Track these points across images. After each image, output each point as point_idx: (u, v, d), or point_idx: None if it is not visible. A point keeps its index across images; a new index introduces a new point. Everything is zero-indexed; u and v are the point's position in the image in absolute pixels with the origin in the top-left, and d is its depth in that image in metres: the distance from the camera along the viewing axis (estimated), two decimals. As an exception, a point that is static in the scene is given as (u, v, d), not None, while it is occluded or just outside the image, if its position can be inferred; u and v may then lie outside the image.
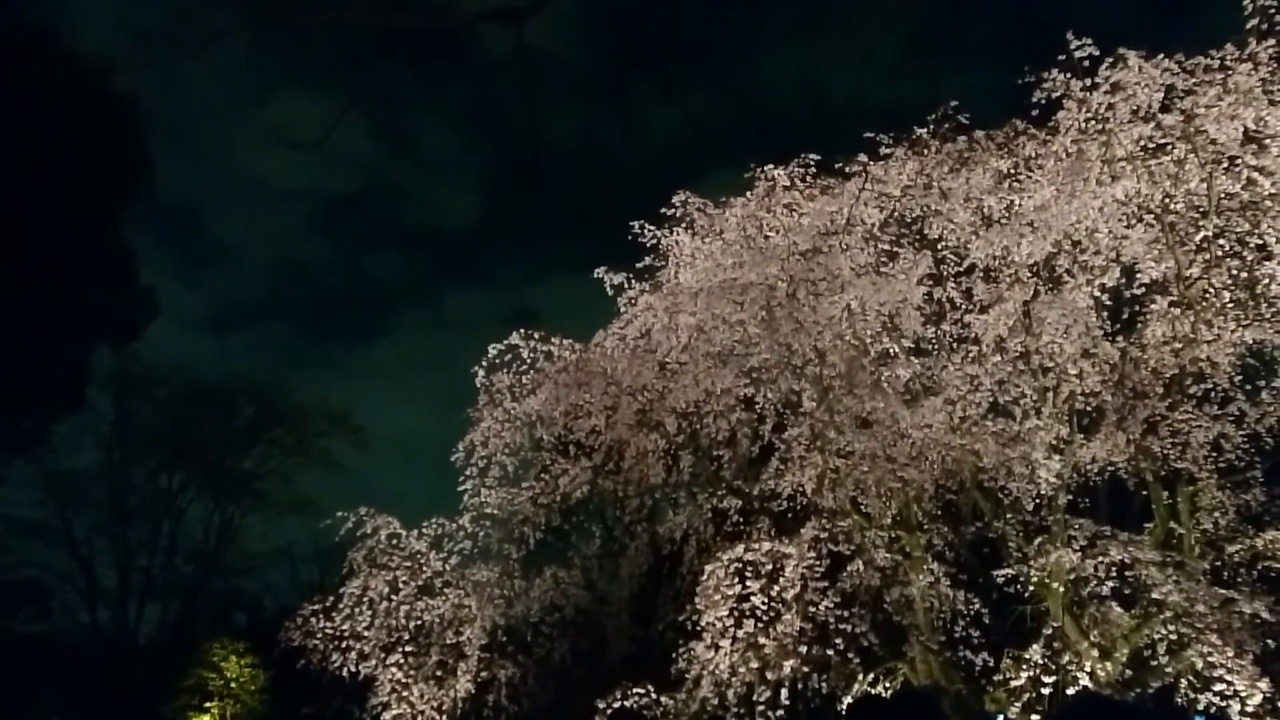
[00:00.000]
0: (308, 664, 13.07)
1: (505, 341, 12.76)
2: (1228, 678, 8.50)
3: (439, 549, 13.04)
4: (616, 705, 10.96)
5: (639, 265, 13.58)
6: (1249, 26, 10.17)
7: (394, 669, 12.43)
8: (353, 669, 12.81)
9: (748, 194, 13.10)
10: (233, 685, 24.34)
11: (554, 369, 12.63)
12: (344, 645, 12.82)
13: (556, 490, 12.79)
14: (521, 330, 12.81)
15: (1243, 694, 8.51)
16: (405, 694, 12.31)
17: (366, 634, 12.80)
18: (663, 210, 13.52)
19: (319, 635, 12.98)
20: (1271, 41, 10.17)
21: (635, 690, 10.96)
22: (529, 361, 12.82)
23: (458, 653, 12.59)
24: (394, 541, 13.22)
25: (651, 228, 13.52)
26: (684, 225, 13.47)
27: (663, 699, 10.83)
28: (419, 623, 12.76)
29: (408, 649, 12.64)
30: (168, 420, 33.03)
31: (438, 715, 12.49)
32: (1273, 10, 10.02)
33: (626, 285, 13.54)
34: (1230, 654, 8.72)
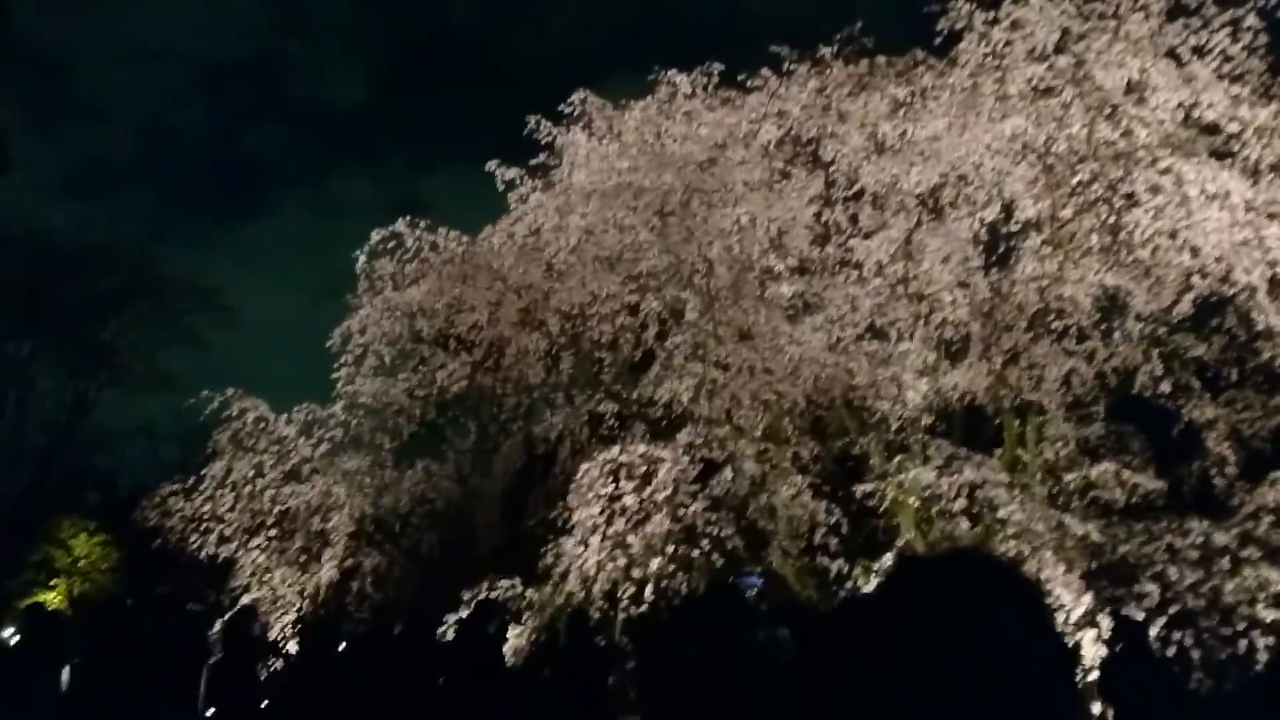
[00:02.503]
0: (164, 544, 12.73)
1: (390, 228, 12.37)
2: (1057, 590, 9.19)
3: (309, 435, 12.76)
4: (482, 596, 11.09)
5: (533, 162, 13.33)
6: (1144, -22, 10.48)
7: (256, 553, 12.25)
8: (212, 551, 12.56)
9: (648, 98, 12.91)
10: (80, 563, 23.52)
11: (439, 260, 12.34)
12: (204, 527, 12.53)
13: (434, 383, 12.64)
14: (408, 218, 12.43)
15: (1068, 606, 9.23)
16: (267, 578, 12.15)
17: (229, 517, 12.53)
18: (560, 108, 13.23)
19: (177, 516, 12.63)
20: (1164, -7, 10.51)
21: (502, 582, 11.11)
22: (413, 251, 12.49)
23: (323, 540, 12.48)
24: (262, 425, 12.86)
25: (548, 124, 13.20)
26: (581, 125, 13.22)
27: (528, 592, 11.03)
28: (284, 508, 12.55)
29: (271, 534, 12.46)
30: (17, 284, 30.87)
31: (299, 600, 12.42)
32: (1168, -37, 10.34)
33: (519, 182, 13.26)
34: (1061, 570, 9.43)
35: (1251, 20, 10.22)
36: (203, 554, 12.58)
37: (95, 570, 23.85)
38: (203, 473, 12.86)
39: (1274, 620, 8.62)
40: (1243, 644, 8.63)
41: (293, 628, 12.16)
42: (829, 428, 11.95)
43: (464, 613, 10.02)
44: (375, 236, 12.40)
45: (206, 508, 12.57)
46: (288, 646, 11.88)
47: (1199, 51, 10.43)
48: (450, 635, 9.91)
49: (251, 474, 12.62)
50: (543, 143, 13.32)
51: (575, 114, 13.31)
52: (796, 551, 10.59)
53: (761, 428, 11.54)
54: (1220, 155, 10.69)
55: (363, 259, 12.49)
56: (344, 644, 12.08)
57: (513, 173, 13.24)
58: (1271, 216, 10.28)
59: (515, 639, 10.44)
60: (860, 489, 10.99)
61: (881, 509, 11.16)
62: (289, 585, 12.23)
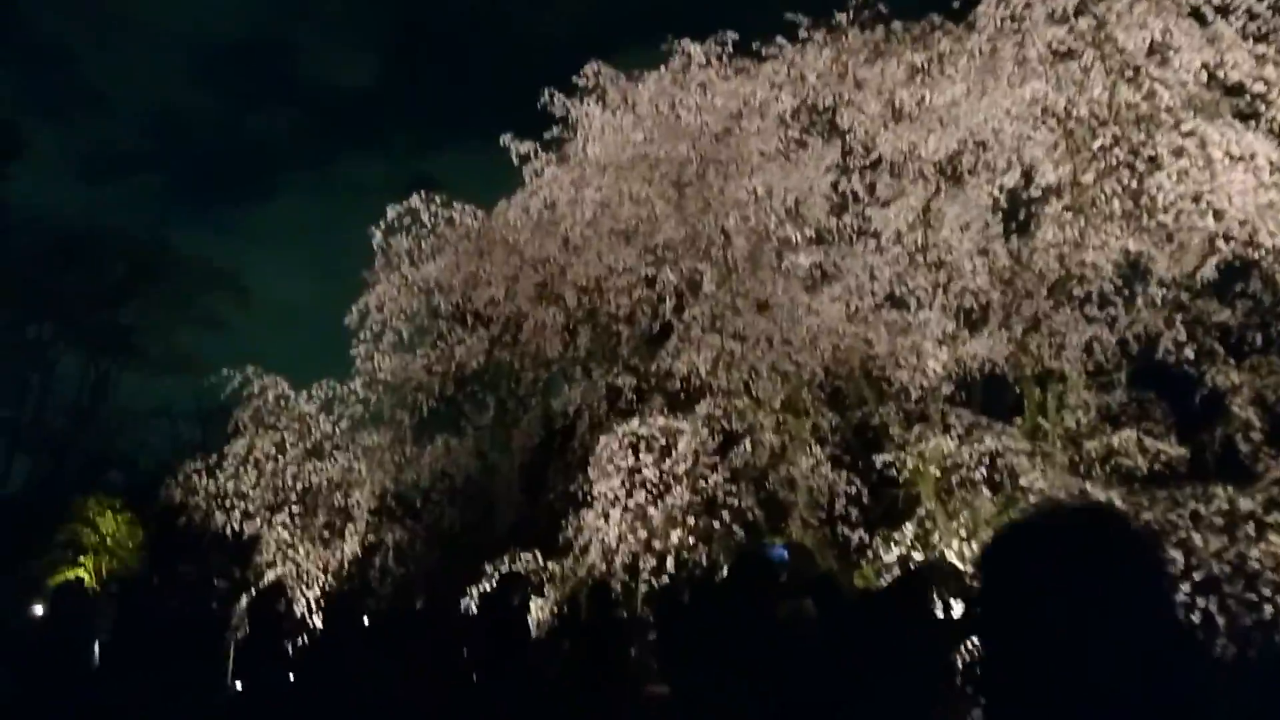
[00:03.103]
0: (189, 522, 12.86)
1: (405, 204, 12.33)
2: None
3: (329, 412, 12.83)
4: (504, 570, 11.16)
5: (547, 136, 13.24)
6: (1168, -65, 10.26)
7: (280, 529, 12.35)
8: (236, 528, 12.67)
9: (662, 68, 12.79)
10: (109, 541, 23.82)
11: (455, 236, 12.32)
12: (227, 504, 12.63)
13: (452, 359, 12.65)
14: (422, 193, 12.38)
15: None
16: (291, 554, 12.26)
17: (252, 494, 12.62)
18: (574, 80, 13.13)
19: (201, 493, 12.74)
20: (1187, -48, 10.30)
21: (523, 555, 11.17)
22: (429, 226, 12.46)
23: (346, 515, 12.57)
24: (282, 403, 12.93)
25: (562, 97, 13.11)
26: (595, 97, 13.12)
27: (549, 565, 11.09)
28: (306, 485, 12.64)
29: (294, 510, 12.55)
30: (35, 269, 31.10)
31: (324, 575, 12.53)
32: (1192, -81, 10.12)
33: (533, 156, 13.19)
34: (1081, 538, 9.39)
35: (1278, -24, 10.01)
36: (227, 531, 12.70)
37: (122, 548, 24.14)
38: (225, 450, 12.95)
39: (1300, 586, 8.56)
40: (1268, 609, 8.58)
41: (317, 603, 12.29)
42: (848, 398, 11.90)
43: (486, 586, 10.09)
44: (391, 213, 12.37)
45: (230, 485, 12.68)
46: (313, 622, 12.02)
47: (1223, 10, 10.23)
48: (474, 609, 9.99)
49: (273, 451, 12.71)
50: (556, 116, 13.25)
51: (589, 86, 13.20)
52: (817, 522, 10.58)
53: (780, 399, 11.51)
54: (1245, 116, 10.50)
55: (379, 235, 12.48)
56: (368, 619, 12.23)
57: (526, 146, 13.18)
58: (1298, 178, 10.12)
59: (537, 612, 10.50)
60: (880, 459, 10.96)
61: (902, 479, 11.14)
62: (312, 560, 12.33)
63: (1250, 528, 9.04)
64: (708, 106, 12.42)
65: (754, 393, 11.54)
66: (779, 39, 12.50)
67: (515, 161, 13.23)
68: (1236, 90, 10.55)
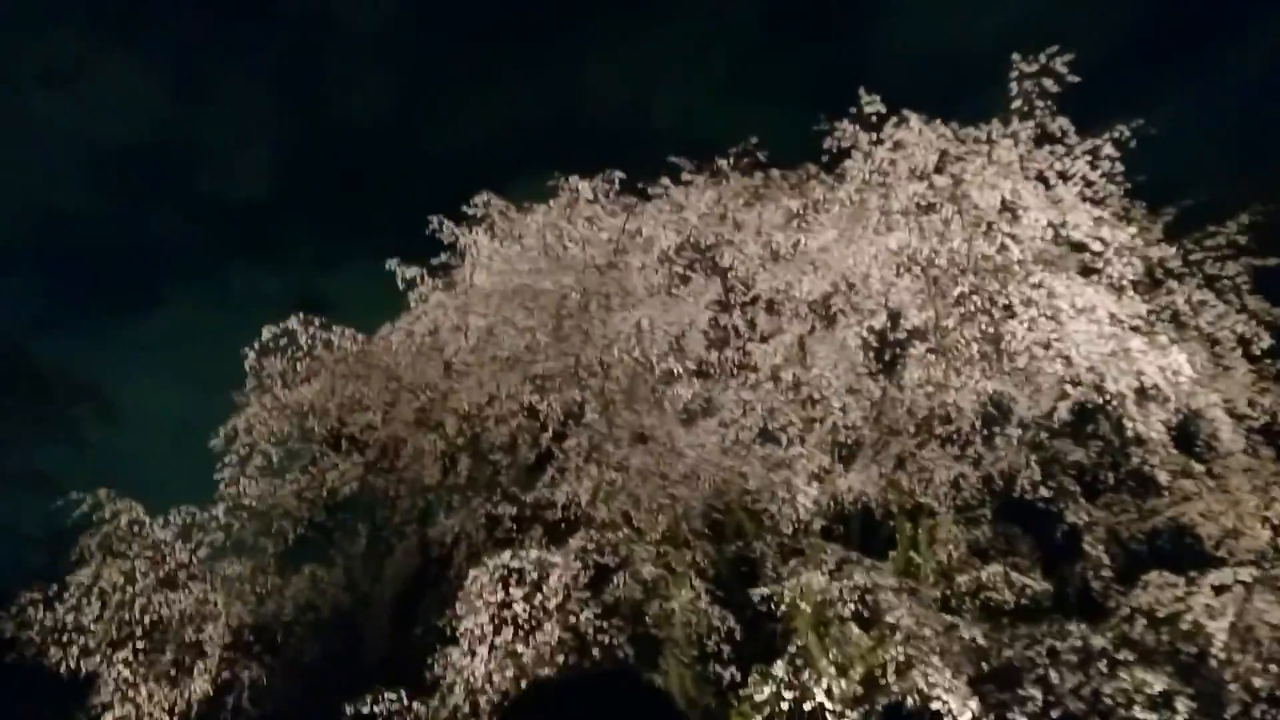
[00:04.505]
0: (20, 658, 11.82)
1: (282, 324, 12.13)
2: (944, 696, 9.24)
3: (187, 539, 12.16)
4: (366, 710, 10.58)
5: (435, 262, 13.35)
6: (1013, 107, 11.25)
7: (121, 666, 11.45)
8: (73, 665, 11.70)
9: (550, 202, 13.14)
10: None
11: (332, 359, 12.11)
12: (65, 639, 11.69)
13: (323, 484, 12.26)
14: (300, 315, 12.22)
15: (955, 712, 9.27)
16: (132, 694, 11.36)
17: (94, 627, 11.73)
18: (464, 209, 13.35)
19: (37, 626, 11.78)
20: (1031, 123, 11.28)
21: (387, 695, 10.62)
22: (306, 348, 12.24)
23: (197, 651, 11.77)
24: (136, 528, 12.21)
25: (450, 225, 13.29)
26: (484, 226, 13.34)
27: (414, 705, 10.56)
28: (155, 618, 11.82)
29: (140, 645, 11.69)
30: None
31: (168, 717, 11.62)
32: (1033, 95, 11.13)
33: (420, 281, 13.23)
34: (949, 675, 9.49)
35: (1108, 149, 11.02)
36: (62, 668, 11.70)
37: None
38: (68, 580, 12.07)
39: (1150, 722, 8.81)
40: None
41: (159, 748, 11.35)
42: (725, 531, 11.95)
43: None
44: (266, 333, 12.14)
45: (69, 617, 11.76)
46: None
47: (1064, 176, 11.16)
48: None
49: (122, 581, 11.91)
50: (445, 242, 13.38)
51: (478, 215, 13.43)
52: (689, 659, 10.43)
53: (660, 531, 11.48)
54: (1087, 271, 11.35)
55: (252, 355, 12.19)
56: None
57: (413, 271, 13.23)
58: (1135, 329, 10.91)
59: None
60: (756, 594, 10.96)
61: (779, 614, 11.13)
62: (155, 702, 11.43)
63: (1104, 664, 9.32)
64: (593, 240, 12.76)
65: (634, 524, 11.49)
66: (663, 180, 13.04)
67: (401, 285, 13.25)
68: (1079, 247, 11.43)
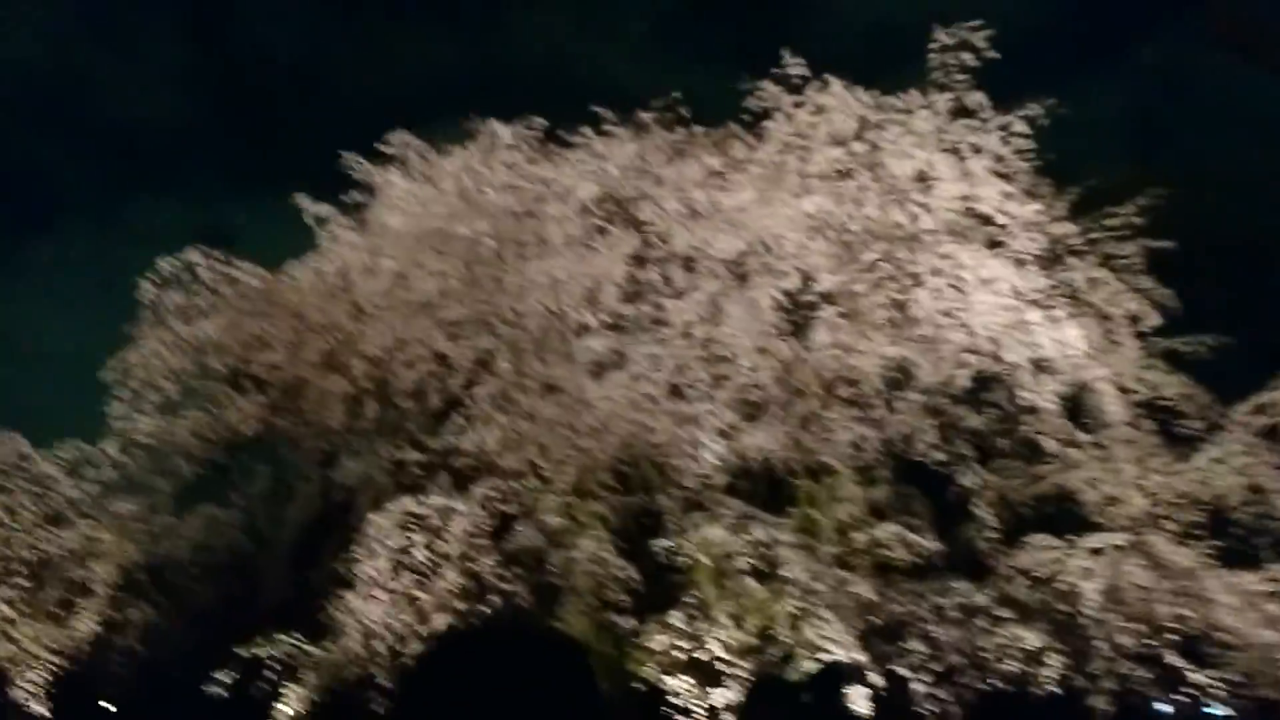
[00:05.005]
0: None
1: (181, 257, 11.67)
2: (832, 649, 9.56)
3: (75, 475, 11.73)
4: (260, 653, 10.46)
5: (346, 200, 12.97)
6: (932, 79, 11.41)
7: (1, 604, 11.06)
8: (-51, 602, 11.26)
9: (469, 146, 12.86)
10: None
11: (235, 295, 11.73)
12: (-60, 575, 11.23)
13: (223, 424, 11.93)
14: (202, 248, 11.76)
15: (844, 663, 9.61)
16: (13, 632, 10.99)
17: (-29, 564, 11.29)
18: (379, 147, 12.97)
19: (-89, 561, 11.28)
20: (948, 96, 11.47)
21: (282, 638, 10.50)
22: (207, 283, 11.82)
23: (84, 590, 11.43)
24: (20, 462, 11.72)
25: (364, 162, 12.92)
26: (399, 166, 13.00)
27: (310, 648, 10.47)
28: (40, 555, 11.43)
29: (22, 583, 11.29)
30: None
31: (53, 656, 11.29)
32: (952, 69, 11.30)
33: (330, 219, 12.86)
34: (839, 628, 9.82)
35: (1020, 126, 11.29)
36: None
37: None
38: (-55, 514, 11.57)
39: (1023, 674, 9.29)
40: (994, 699, 9.22)
41: (41, 687, 11.05)
42: (631, 483, 12.05)
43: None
44: (165, 266, 11.67)
45: (-54, 553, 11.30)
46: (32, 707, 10.81)
47: (976, 150, 11.41)
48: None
49: (4, 516, 11.45)
50: (358, 181, 13.01)
51: (394, 155, 13.08)
52: (589, 608, 10.56)
53: (566, 481, 11.51)
54: (993, 244, 11.67)
55: (149, 288, 11.72)
56: (106, 704, 11.07)
57: (324, 209, 12.84)
58: (1034, 303, 11.29)
59: (292, 701, 9.86)
60: (659, 546, 11.11)
61: (680, 564, 11.31)
62: (38, 640, 11.09)
63: (984, 620, 9.76)
64: (511, 187, 12.56)
65: (541, 473, 11.50)
66: (585, 130, 12.87)
67: (311, 222, 12.86)
68: (986, 220, 11.73)
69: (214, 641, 11.54)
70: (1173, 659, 10.27)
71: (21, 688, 10.73)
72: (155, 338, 11.73)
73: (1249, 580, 11.12)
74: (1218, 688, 10.24)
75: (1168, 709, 11.08)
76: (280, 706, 9.96)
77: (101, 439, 11.75)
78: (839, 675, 9.83)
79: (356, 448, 12.80)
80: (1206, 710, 10.27)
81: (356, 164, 12.84)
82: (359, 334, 11.85)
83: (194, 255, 11.80)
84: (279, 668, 10.31)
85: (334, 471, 13.02)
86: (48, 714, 11.60)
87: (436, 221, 12.07)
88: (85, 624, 11.25)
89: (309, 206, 12.63)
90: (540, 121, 12.93)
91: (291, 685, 10.13)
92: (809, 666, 9.96)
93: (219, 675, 10.13)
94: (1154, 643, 10.27)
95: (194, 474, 12.15)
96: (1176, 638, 10.36)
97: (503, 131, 12.85)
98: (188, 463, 11.89)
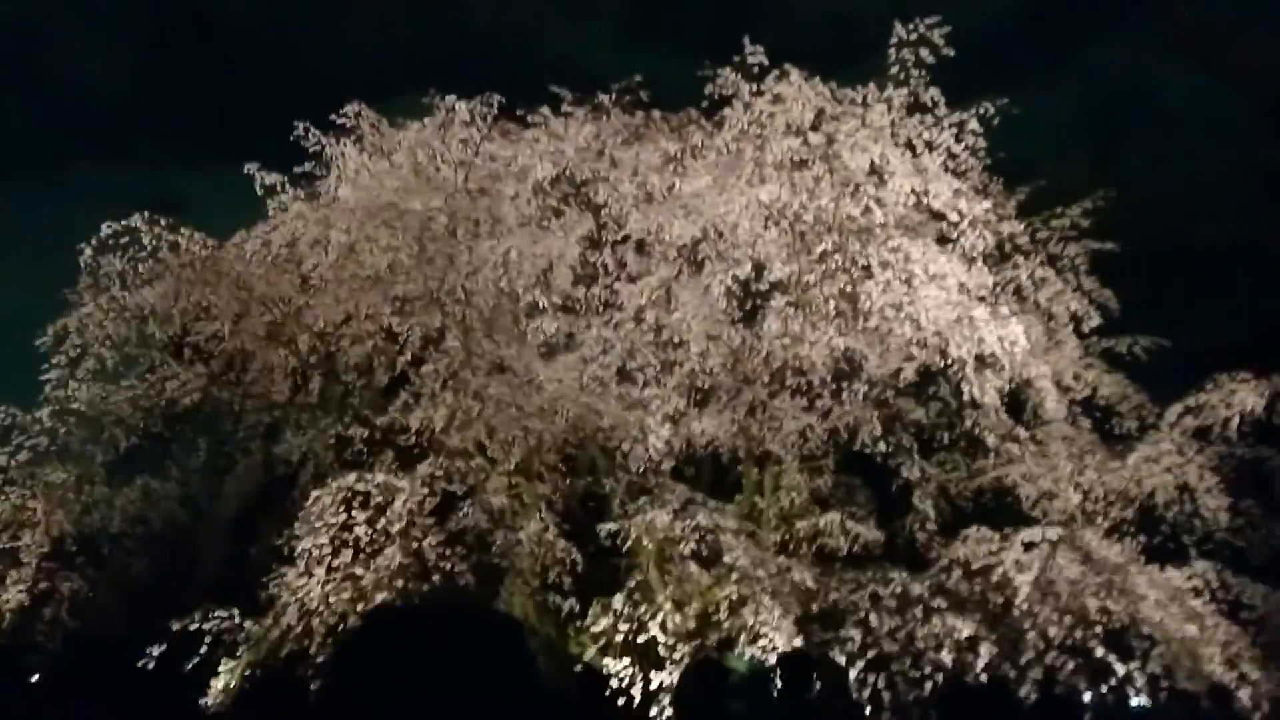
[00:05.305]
0: None
1: (124, 222, 11.36)
2: (770, 634, 9.68)
3: (5, 441, 11.40)
4: (195, 628, 10.30)
5: (297, 171, 12.74)
6: (890, 74, 11.50)
7: (-77, 574, 10.75)
8: None
9: (424, 121, 12.69)
10: None
11: (178, 262, 11.47)
12: None
13: (162, 393, 11.68)
14: (145, 214, 11.47)
15: (780, 650, 9.73)
16: (-65, 603, 10.69)
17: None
18: (332, 118, 12.74)
19: None
20: (905, 90, 11.57)
21: (218, 613, 10.35)
22: (150, 249, 11.53)
23: (13, 559, 11.14)
24: (-52, 427, 11.36)
25: (317, 133, 12.68)
26: (353, 138, 12.79)
27: (246, 624, 10.33)
28: (-34, 523, 11.11)
29: (-54, 552, 10.99)
30: None
31: (-24, 628, 11.01)
32: (910, 64, 11.40)
33: (280, 189, 12.62)
34: (777, 614, 9.94)
35: (974, 124, 11.44)
36: None
37: None
38: None
39: (954, 662, 9.49)
40: (928, 686, 9.43)
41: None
42: (578, 465, 12.07)
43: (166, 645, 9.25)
44: (106, 230, 11.36)
45: None
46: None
47: (930, 146, 11.54)
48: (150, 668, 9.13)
49: (-72, 483, 11.11)
50: (310, 151, 12.78)
51: (348, 126, 12.86)
52: (532, 589, 10.56)
53: (512, 462, 11.48)
54: (943, 240, 11.84)
55: (88, 252, 11.41)
56: (35, 676, 10.84)
57: (274, 178, 12.60)
58: (981, 299, 11.49)
59: (225, 676, 9.73)
60: (604, 529, 11.14)
61: (624, 548, 11.35)
62: (-38, 611, 10.81)
63: (919, 610, 9.95)
64: (466, 164, 12.42)
65: (487, 453, 11.45)
66: (544, 109, 12.78)
67: (260, 192, 12.61)
68: (938, 216, 11.89)
69: (149, 614, 11.33)
70: (1099, 651, 10.58)
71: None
72: (94, 303, 11.43)
73: (1175, 577, 11.51)
74: (1140, 680, 10.56)
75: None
76: (214, 682, 9.82)
77: (34, 405, 11.44)
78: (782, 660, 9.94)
79: (300, 422, 12.63)
80: (1129, 701, 10.59)
81: (309, 134, 12.60)
82: (306, 306, 11.66)
83: (136, 220, 11.49)
84: (214, 642, 10.15)
85: (276, 446, 12.84)
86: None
87: (389, 195, 11.90)
88: (14, 594, 10.97)
89: (259, 175, 12.37)
90: (498, 99, 12.80)
91: (227, 660, 9.98)
92: (750, 651, 10.06)
93: (152, 649, 9.92)
94: (1082, 634, 10.56)
95: (130, 444, 11.88)
96: (1103, 630, 10.68)
97: (460, 107, 12.69)
98: (124, 432, 11.63)
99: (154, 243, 11.58)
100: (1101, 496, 12.23)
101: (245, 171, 12.45)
